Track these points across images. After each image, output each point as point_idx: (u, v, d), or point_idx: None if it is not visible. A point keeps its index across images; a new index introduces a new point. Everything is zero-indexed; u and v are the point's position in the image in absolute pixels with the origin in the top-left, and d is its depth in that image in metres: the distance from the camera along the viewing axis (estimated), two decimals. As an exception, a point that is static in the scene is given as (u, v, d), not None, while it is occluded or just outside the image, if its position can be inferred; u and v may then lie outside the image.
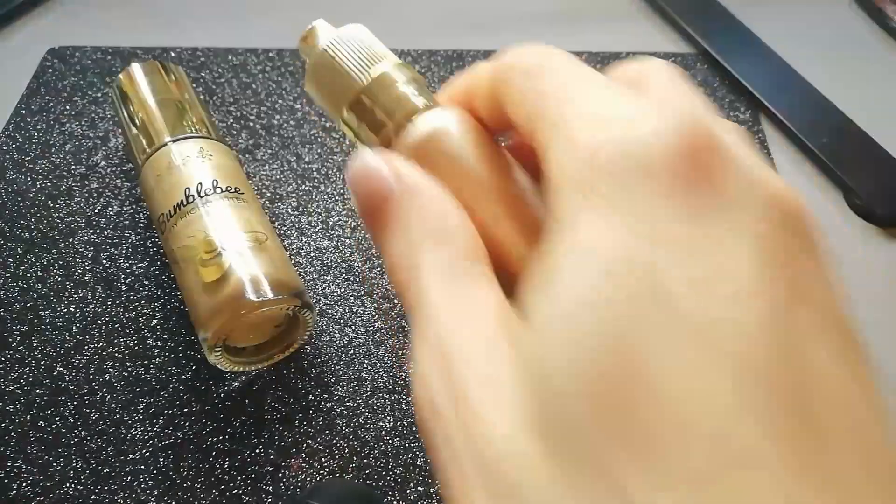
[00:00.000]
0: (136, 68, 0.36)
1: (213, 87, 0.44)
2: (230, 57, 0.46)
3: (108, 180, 0.39)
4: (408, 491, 0.29)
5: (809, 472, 0.11)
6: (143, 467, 0.29)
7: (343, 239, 0.37)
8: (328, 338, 0.33)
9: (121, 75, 0.36)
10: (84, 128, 0.42)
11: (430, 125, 0.19)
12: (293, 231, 0.37)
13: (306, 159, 0.40)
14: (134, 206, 0.38)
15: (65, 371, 0.32)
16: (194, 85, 0.40)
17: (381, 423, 0.30)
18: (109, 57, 0.46)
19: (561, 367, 0.12)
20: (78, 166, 0.39)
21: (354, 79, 0.20)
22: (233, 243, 0.29)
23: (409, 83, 0.20)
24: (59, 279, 0.35)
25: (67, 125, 0.42)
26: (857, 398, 0.12)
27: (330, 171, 0.40)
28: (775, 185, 0.14)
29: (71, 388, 0.31)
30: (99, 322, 0.33)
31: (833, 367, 0.12)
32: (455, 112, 0.19)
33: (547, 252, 0.14)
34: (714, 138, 0.13)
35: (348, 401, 0.31)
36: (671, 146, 0.13)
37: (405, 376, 0.32)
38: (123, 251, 0.36)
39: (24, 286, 0.34)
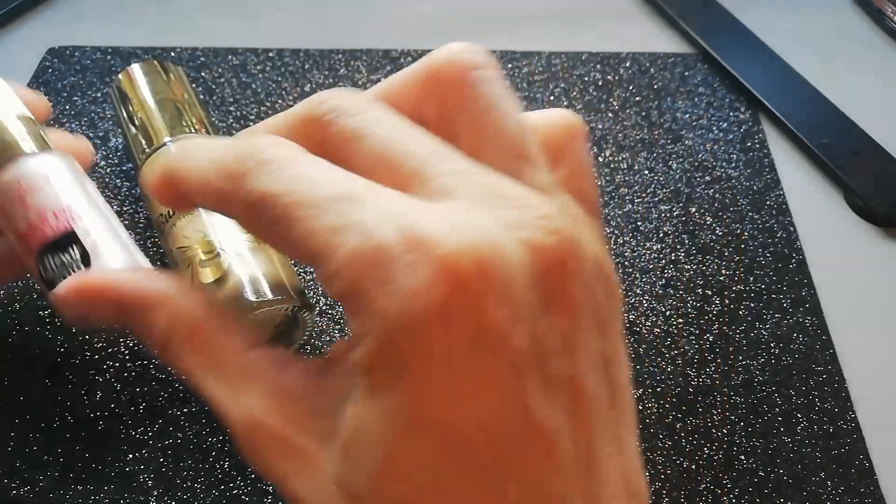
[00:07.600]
0: (135, 68, 0.36)
1: (213, 86, 0.44)
2: (230, 57, 0.46)
3: (107, 180, 0.39)
4: (407, 491, 0.29)
5: None
6: (143, 467, 0.29)
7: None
8: (328, 338, 0.33)
9: (120, 75, 0.36)
10: (84, 128, 0.42)
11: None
12: (293, 231, 0.37)
13: (306, 159, 0.40)
14: (133, 206, 0.38)
15: (65, 371, 0.32)
16: (194, 85, 0.40)
17: (380, 424, 0.30)
18: (109, 57, 0.46)
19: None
20: (77, 166, 0.39)
21: None
22: (231, 243, 0.29)
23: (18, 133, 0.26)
24: (58, 279, 0.35)
25: (67, 125, 0.42)
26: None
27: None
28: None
29: (71, 388, 0.31)
30: (98, 322, 0.33)
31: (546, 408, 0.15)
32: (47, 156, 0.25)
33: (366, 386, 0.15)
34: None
35: (348, 401, 0.31)
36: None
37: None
38: (123, 251, 0.36)
39: (23, 285, 0.34)
